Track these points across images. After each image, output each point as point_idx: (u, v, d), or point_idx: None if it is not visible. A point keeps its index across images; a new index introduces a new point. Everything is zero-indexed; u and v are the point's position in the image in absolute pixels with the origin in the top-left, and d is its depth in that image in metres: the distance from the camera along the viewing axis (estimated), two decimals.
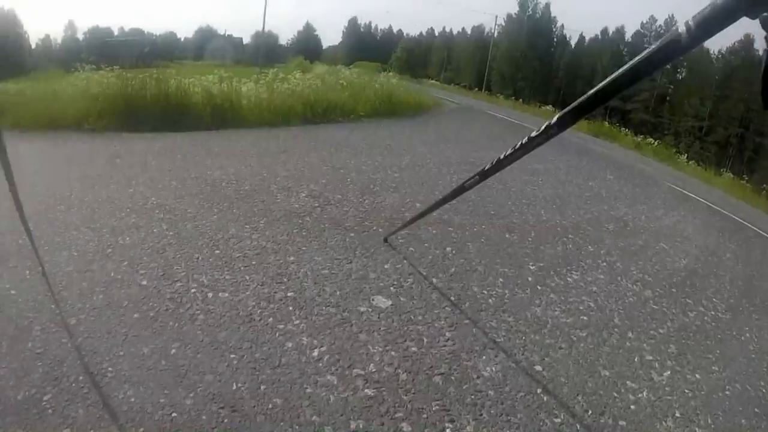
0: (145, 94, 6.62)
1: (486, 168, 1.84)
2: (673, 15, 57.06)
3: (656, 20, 58.16)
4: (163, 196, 3.75)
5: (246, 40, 60.83)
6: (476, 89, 14.30)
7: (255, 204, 3.65)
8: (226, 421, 1.85)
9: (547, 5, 64.76)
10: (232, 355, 2.13)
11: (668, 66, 55.49)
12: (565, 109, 1.38)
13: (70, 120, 6.24)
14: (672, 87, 53.85)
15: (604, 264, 3.23)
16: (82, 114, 6.32)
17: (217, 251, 2.89)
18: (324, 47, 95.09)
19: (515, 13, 64.39)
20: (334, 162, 4.95)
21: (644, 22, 58.89)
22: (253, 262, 2.78)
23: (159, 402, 1.90)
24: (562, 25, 66.01)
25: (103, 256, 2.84)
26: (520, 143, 1.58)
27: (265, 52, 39.72)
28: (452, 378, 1.99)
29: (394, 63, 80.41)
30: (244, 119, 6.99)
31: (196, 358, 2.11)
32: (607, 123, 24.49)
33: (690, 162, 25.41)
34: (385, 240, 3.14)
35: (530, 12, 64.18)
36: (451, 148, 5.97)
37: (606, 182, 6.56)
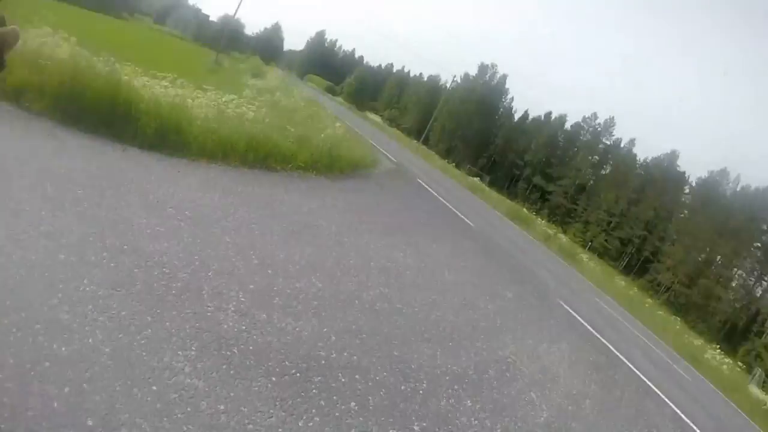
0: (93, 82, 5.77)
1: None
2: (613, 117, 61.37)
3: (597, 117, 62.05)
4: (69, 268, 3.08)
5: (213, 17, 57.98)
6: (414, 140, 15.17)
7: (187, 316, 3.09)
8: None
9: (504, 76, 68.71)
10: None
11: (596, 158, 59.92)
12: None
13: None
14: (594, 179, 59.00)
15: (476, 422, 3.42)
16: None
17: (155, 388, 2.61)
18: (285, 49, 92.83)
19: (473, 75, 68.54)
20: (262, 248, 4.47)
21: (586, 116, 62.81)
22: (188, 409, 2.58)
23: None
24: (512, 98, 69.54)
25: None
26: None
27: (228, 37, 37.64)
28: None
29: (345, 88, 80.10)
30: (187, 144, 6.39)
31: None
32: (525, 209, 27.17)
33: (590, 259, 29.12)
34: None
35: (487, 78, 67.99)
36: (385, 238, 5.99)
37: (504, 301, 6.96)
